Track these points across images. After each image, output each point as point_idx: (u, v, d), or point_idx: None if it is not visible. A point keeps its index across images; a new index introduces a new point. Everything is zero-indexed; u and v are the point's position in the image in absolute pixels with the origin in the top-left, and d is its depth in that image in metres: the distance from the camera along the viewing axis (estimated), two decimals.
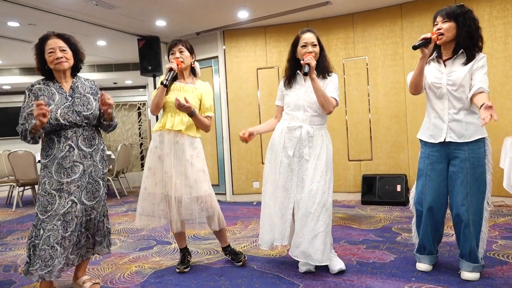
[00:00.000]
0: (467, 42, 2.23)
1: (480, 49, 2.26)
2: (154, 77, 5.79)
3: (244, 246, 3.33)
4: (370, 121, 5.13)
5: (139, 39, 5.61)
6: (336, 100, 2.55)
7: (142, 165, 8.58)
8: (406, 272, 2.49)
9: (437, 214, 2.39)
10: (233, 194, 5.67)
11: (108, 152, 6.40)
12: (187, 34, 5.70)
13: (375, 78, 5.07)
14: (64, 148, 2.24)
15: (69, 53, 2.29)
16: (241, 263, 2.79)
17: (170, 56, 2.69)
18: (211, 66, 5.78)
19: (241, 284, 2.46)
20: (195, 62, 2.79)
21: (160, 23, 5.11)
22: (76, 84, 2.36)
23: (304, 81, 2.60)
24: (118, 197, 6.66)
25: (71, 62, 2.31)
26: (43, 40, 2.27)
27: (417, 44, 2.26)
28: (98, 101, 2.36)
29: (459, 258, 2.37)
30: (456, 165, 2.29)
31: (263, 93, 5.54)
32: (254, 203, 5.39)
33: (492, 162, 2.33)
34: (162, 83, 2.52)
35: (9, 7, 4.29)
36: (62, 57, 2.24)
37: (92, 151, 2.33)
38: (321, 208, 2.43)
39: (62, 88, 2.31)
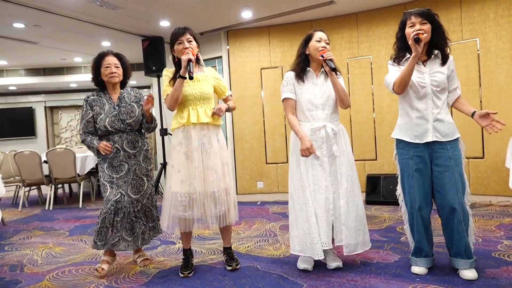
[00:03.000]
0: (441, 43, 2.35)
1: (446, 46, 2.40)
2: (158, 77, 5.81)
3: (248, 247, 3.33)
4: (374, 121, 5.11)
5: (143, 39, 5.63)
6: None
7: None
8: (411, 272, 2.47)
9: (425, 212, 2.41)
10: (237, 194, 5.66)
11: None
12: None
13: (379, 78, 5.05)
14: (113, 150, 2.70)
15: (121, 70, 2.75)
16: (230, 268, 2.71)
17: (177, 46, 2.59)
18: (215, 66, 5.78)
19: (245, 284, 2.46)
20: (199, 52, 2.74)
21: (164, 23, 5.13)
22: (123, 95, 2.79)
23: (316, 77, 2.60)
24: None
25: (121, 77, 2.77)
26: (102, 56, 2.71)
27: (415, 37, 2.26)
28: (141, 108, 2.77)
29: (453, 258, 2.38)
30: (441, 164, 2.34)
31: (267, 93, 5.54)
32: (258, 203, 5.40)
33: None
34: (182, 77, 2.46)
35: (14, 9, 4.32)
36: (115, 72, 2.70)
37: (136, 152, 2.77)
38: (359, 200, 2.59)
39: (111, 98, 2.77)
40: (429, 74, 2.36)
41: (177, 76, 2.51)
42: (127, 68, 2.83)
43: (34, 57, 6.56)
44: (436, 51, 2.37)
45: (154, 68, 5.63)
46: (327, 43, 2.56)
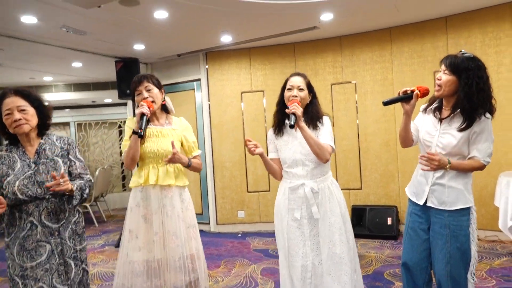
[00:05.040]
0: (465, 104, 1.95)
1: (486, 112, 1.99)
2: (134, 100, 5.49)
3: None
4: (359, 149, 4.93)
5: (117, 61, 5.31)
6: (331, 146, 2.26)
7: (124, 186, 8.25)
8: None
9: (416, 275, 2.19)
10: (217, 224, 5.40)
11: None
12: (167, 55, 5.42)
13: (364, 104, 4.88)
14: (25, 226, 1.91)
15: (30, 112, 1.93)
16: None
17: (136, 97, 2.32)
18: (193, 89, 5.51)
19: None
20: (165, 97, 2.44)
21: (139, 46, 4.83)
22: (43, 147, 2.01)
23: (295, 130, 2.31)
24: (96, 225, 6.32)
25: (33, 122, 1.95)
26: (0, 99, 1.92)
27: (389, 99, 2.04)
28: (68, 163, 2.05)
29: None
30: (435, 230, 2.11)
31: (248, 117, 5.29)
32: (239, 235, 5.14)
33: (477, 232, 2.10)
34: (135, 132, 2.15)
35: None
36: (20, 119, 1.90)
37: (59, 226, 1.98)
38: (352, 276, 2.21)
39: (25, 153, 1.97)
40: (439, 133, 2.08)
41: (132, 132, 2.20)
42: (42, 107, 2.00)
43: None
44: (458, 110, 1.99)
45: (128, 91, 5.30)
46: (301, 89, 2.27)
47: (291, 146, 2.31)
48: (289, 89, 2.30)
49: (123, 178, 8.25)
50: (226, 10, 3.69)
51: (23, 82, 6.62)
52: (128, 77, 5.27)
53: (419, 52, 4.56)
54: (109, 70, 5.62)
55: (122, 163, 8.15)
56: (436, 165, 1.94)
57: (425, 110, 2.22)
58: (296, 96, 2.26)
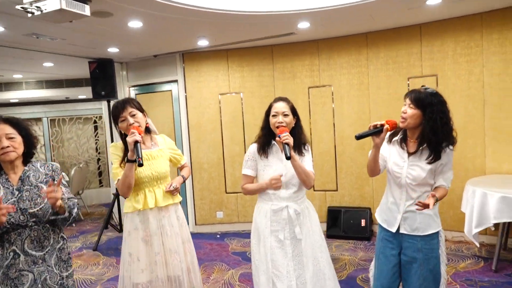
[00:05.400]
0: (430, 137, 2.07)
1: (449, 144, 2.11)
2: (109, 102, 5.39)
3: None
4: (335, 152, 5.03)
5: (90, 61, 5.17)
6: (313, 173, 2.40)
7: (100, 182, 8.15)
8: None
9: None
10: (196, 224, 5.45)
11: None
12: (143, 56, 5.32)
13: (341, 107, 4.96)
14: (8, 255, 1.89)
15: (18, 140, 1.95)
16: None
17: (121, 124, 2.34)
18: (170, 91, 5.45)
19: None
20: (147, 119, 2.48)
21: (113, 49, 4.72)
22: (27, 174, 1.99)
23: (281, 152, 2.38)
24: (73, 224, 6.26)
25: (20, 150, 1.96)
26: None
27: (361, 133, 2.12)
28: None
29: None
30: (408, 254, 2.22)
31: (226, 119, 5.29)
32: (218, 235, 5.21)
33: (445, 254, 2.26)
34: (130, 161, 2.19)
35: None
36: (8, 147, 1.90)
37: (44, 254, 1.95)
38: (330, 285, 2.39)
39: (8, 180, 1.96)
40: (408, 165, 2.17)
41: (125, 160, 2.24)
42: (29, 135, 2.02)
43: None
44: (424, 145, 2.11)
45: (103, 93, 5.20)
46: (286, 115, 2.35)
47: (276, 168, 2.38)
48: (274, 115, 2.36)
49: (100, 174, 8.14)
50: (202, 20, 3.65)
51: None
52: (102, 78, 5.18)
53: (394, 58, 4.64)
54: (83, 68, 5.47)
55: (99, 159, 8.04)
56: (433, 207, 2.02)
57: (389, 141, 2.30)
58: (282, 123, 2.32)
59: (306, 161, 2.40)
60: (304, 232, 2.37)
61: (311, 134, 5.07)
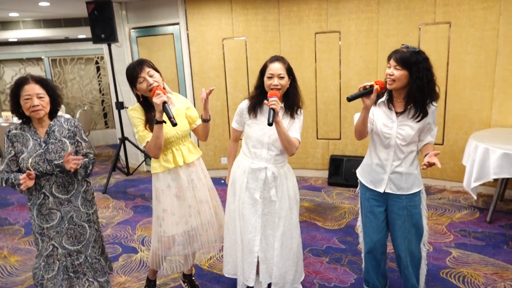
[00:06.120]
0: (417, 96, 2.11)
1: (432, 100, 2.17)
2: (110, 45, 5.25)
3: (210, 259, 3.35)
4: (340, 100, 4.98)
5: (88, 2, 4.94)
6: (299, 140, 2.38)
7: (106, 123, 8.21)
8: None
9: (377, 253, 2.47)
10: None
11: (67, 116, 6.23)
12: None
13: (348, 56, 4.81)
14: (40, 196, 2.23)
15: (46, 99, 2.18)
16: None
17: (139, 85, 2.30)
18: (172, 34, 5.27)
19: None
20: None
21: None
22: (52, 128, 2.25)
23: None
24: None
25: (48, 109, 2.21)
26: (20, 85, 2.15)
27: (352, 95, 2.11)
28: (76, 144, 2.29)
29: None
30: (394, 211, 2.34)
31: (230, 65, 5.18)
32: (222, 181, 5.37)
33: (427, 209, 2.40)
34: (160, 122, 2.20)
35: None
36: (38, 105, 2.14)
37: (69, 197, 2.28)
38: (295, 243, 2.54)
39: (37, 133, 2.23)
40: (397, 125, 2.22)
41: (154, 122, 2.24)
42: (56, 95, 2.25)
43: None
44: (411, 104, 2.16)
45: (103, 36, 5.05)
46: (281, 77, 2.28)
47: (262, 127, 2.38)
48: (269, 77, 2.30)
49: (105, 115, 8.18)
50: None
51: None
52: (102, 21, 5.00)
53: (407, 2, 4.39)
54: (80, 8, 5.26)
55: (103, 101, 8.03)
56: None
57: (375, 103, 2.28)
58: (277, 85, 2.27)
59: (295, 127, 2.38)
60: (279, 195, 2.45)
61: (316, 82, 4.98)
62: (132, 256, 3.47)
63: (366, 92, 2.11)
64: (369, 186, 2.39)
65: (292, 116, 2.38)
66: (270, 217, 2.48)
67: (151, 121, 2.33)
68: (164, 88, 2.40)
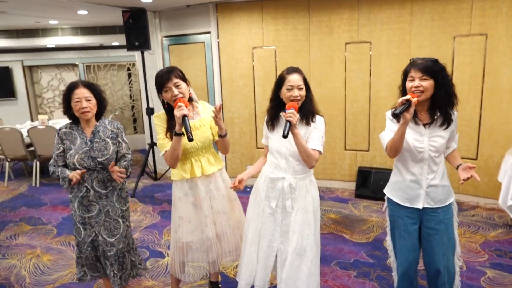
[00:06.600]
0: (444, 102, 2.13)
1: (452, 108, 2.18)
2: (143, 53, 5.40)
3: (236, 267, 3.34)
4: (369, 111, 4.91)
5: (124, 11, 5.11)
6: (319, 151, 2.31)
7: (135, 128, 8.41)
8: None
9: (411, 272, 2.38)
10: None
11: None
12: (176, 6, 5.19)
13: (378, 67, 4.75)
14: (82, 189, 2.47)
15: (93, 102, 2.43)
16: None
17: (165, 94, 2.35)
18: (203, 42, 5.36)
19: None
20: (190, 89, 2.47)
21: None
22: (98, 129, 2.50)
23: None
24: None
25: (95, 110, 2.46)
26: (71, 89, 2.41)
27: (400, 110, 2.05)
28: (117, 144, 2.52)
29: None
30: (431, 227, 2.27)
31: (259, 74, 5.21)
32: (248, 189, 5.37)
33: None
34: (187, 138, 2.16)
35: None
36: (87, 107, 2.39)
37: (107, 192, 2.51)
38: (307, 265, 2.36)
39: (84, 132, 2.48)
40: (428, 138, 2.18)
41: (173, 133, 2.27)
42: (102, 99, 2.50)
43: (2, 21, 5.99)
44: (438, 113, 2.16)
45: (137, 43, 5.20)
46: (300, 88, 2.26)
47: (280, 138, 2.29)
48: (288, 89, 2.27)
49: (134, 121, 8.38)
50: None
51: (28, 25, 6.47)
52: (136, 28, 5.15)
53: (441, 14, 4.31)
54: (116, 16, 5.44)
55: (133, 106, 8.23)
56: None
57: (397, 118, 2.18)
58: (297, 97, 2.26)
59: (314, 137, 2.31)
60: (296, 207, 2.35)
61: (345, 93, 4.94)
62: (159, 260, 3.51)
63: (408, 106, 2.05)
64: (404, 204, 2.31)
65: (307, 123, 2.32)
66: (287, 228, 2.41)
67: (172, 129, 2.35)
68: (190, 98, 2.43)
